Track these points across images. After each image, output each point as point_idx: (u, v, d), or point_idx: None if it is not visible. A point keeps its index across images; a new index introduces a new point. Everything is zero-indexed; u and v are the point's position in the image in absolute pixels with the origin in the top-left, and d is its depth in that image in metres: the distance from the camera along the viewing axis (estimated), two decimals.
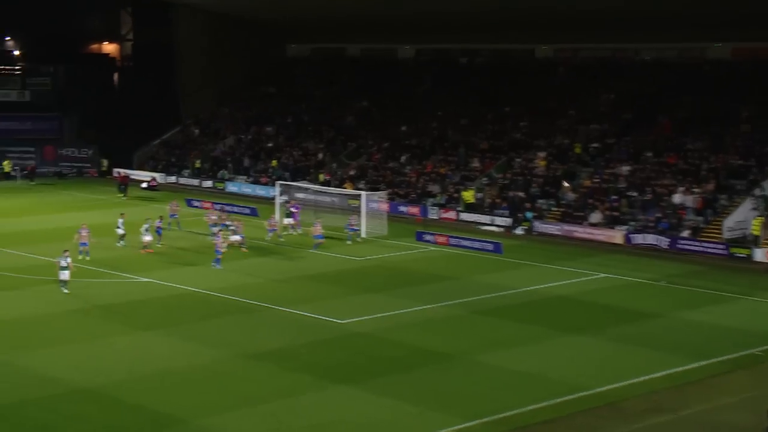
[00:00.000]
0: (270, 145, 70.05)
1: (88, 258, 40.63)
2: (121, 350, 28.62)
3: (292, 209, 49.29)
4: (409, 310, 33.93)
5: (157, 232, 44.48)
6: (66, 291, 34.72)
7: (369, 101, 70.60)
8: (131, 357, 28.01)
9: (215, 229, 44.39)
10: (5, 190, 65.18)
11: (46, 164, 74.31)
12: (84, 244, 41.44)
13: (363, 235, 47.99)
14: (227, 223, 45.29)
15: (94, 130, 77.98)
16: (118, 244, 43.91)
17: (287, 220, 47.63)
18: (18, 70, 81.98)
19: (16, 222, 51.17)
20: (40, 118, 78.83)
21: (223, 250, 40.45)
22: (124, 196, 61.67)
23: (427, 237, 47.37)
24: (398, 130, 65.90)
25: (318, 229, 44.55)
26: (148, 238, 42.68)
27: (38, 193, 64.00)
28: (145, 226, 43.00)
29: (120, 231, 44.44)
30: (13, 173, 69.76)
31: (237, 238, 43.51)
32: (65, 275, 35.05)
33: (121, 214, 46.25)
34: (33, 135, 77.55)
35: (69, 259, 35.21)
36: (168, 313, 33.01)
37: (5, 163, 70.59)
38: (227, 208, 55.37)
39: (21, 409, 23.80)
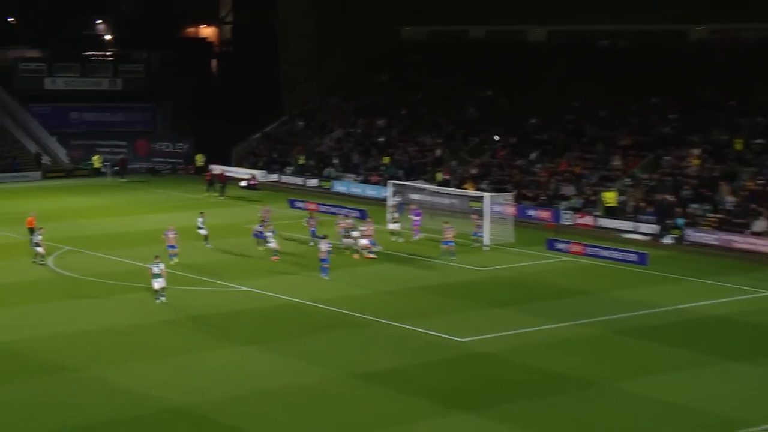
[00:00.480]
0: (382, 139, 70.40)
1: (173, 261, 41.43)
2: (216, 366, 29.12)
3: (413, 216, 49.37)
4: (539, 328, 33.49)
5: (257, 236, 45.22)
6: (161, 300, 35.55)
7: (494, 90, 70.20)
8: (227, 374, 28.44)
9: (351, 235, 44.39)
10: (94, 187, 67.55)
11: (138, 159, 76.66)
12: (172, 246, 42.42)
13: (486, 242, 47.68)
14: (342, 228, 45.26)
15: (189, 122, 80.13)
16: (208, 246, 44.72)
17: (392, 226, 47.71)
18: (110, 56, 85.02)
19: (105, 223, 52.92)
20: (133, 108, 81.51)
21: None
22: (221, 195, 62.94)
23: (560, 245, 46.70)
24: (527, 123, 65.30)
25: (449, 235, 44.53)
26: (273, 244, 43.14)
27: (129, 191, 66.04)
28: (269, 232, 43.55)
29: (203, 231, 45.23)
30: (103, 169, 72.23)
31: (365, 242, 43.88)
32: (159, 283, 35.76)
33: (201, 213, 47.16)
34: (125, 127, 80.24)
35: (162, 265, 36.00)
36: (268, 326, 33.43)
37: (95, 158, 73.13)
38: (333, 210, 55.92)
39: (112, 428, 24.50)
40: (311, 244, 45.51)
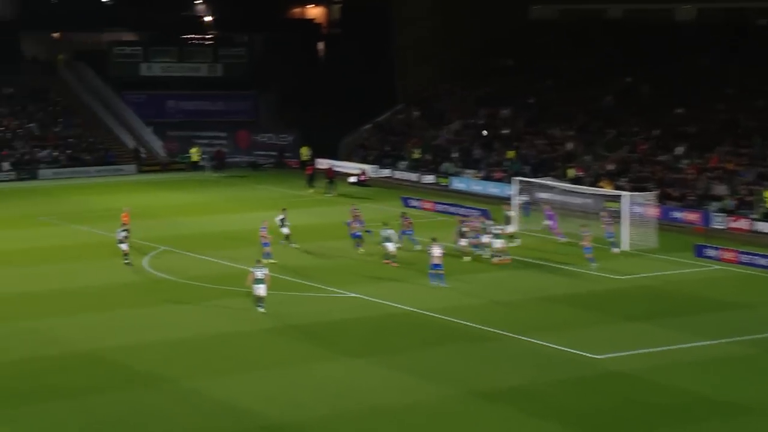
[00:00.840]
0: (506, 131, 69.99)
1: (268, 260, 41.82)
2: (322, 380, 29.28)
3: (547, 215, 49.02)
4: (686, 345, 32.73)
5: (354, 236, 45.47)
6: (262, 310, 35.82)
7: (634, 76, 69.09)
8: (334, 389, 28.58)
9: (481, 239, 44.31)
10: (191, 182, 68.99)
11: (238, 152, 77.93)
12: (266, 244, 43.06)
13: (625, 247, 46.92)
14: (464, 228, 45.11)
15: (294, 111, 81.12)
16: (292, 246, 45.00)
17: (509, 228, 47.24)
18: (209, 39, 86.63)
19: (203, 221, 53.95)
20: (233, 97, 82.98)
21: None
22: (329, 192, 63.47)
23: (710, 252, 45.63)
24: (672, 113, 64.04)
25: (587, 240, 44.14)
26: (392, 247, 43.07)
27: (228, 186, 67.20)
28: (387, 232, 43.55)
29: (285, 230, 45.41)
30: (201, 163, 73.62)
31: (499, 244, 43.77)
32: (261, 290, 35.83)
33: (283, 209, 47.47)
34: (224, 117, 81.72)
35: (266, 270, 36.19)
36: (379, 337, 33.50)
37: (193, 150, 74.61)
38: (451, 209, 55.80)
39: None
40: (417, 247, 45.29)
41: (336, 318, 35.57)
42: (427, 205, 56.80)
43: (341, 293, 38.93)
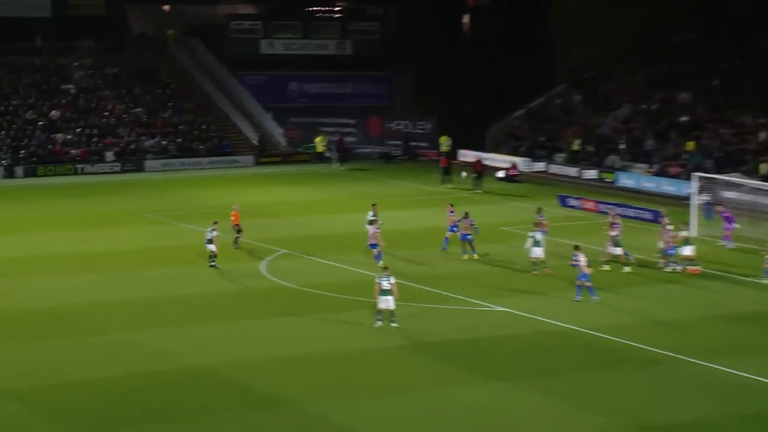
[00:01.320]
0: (685, 118, 68.80)
1: (379, 263, 42.28)
2: (465, 407, 29.14)
3: (724, 217, 48.05)
4: None
5: (462, 238, 45.49)
6: (395, 325, 35.82)
7: None
8: (479, 418, 28.42)
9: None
10: (315, 176, 69.89)
11: (369, 141, 78.42)
12: (373, 246, 43.66)
13: None
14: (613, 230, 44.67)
15: (434, 95, 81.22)
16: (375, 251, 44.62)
17: (683, 232, 46.11)
18: (338, 13, 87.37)
19: (327, 221, 54.40)
20: (365, 78, 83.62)
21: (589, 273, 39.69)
22: (476, 189, 63.33)
23: None
24: None
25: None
26: (539, 253, 42.69)
27: (355, 181, 67.75)
28: (536, 234, 43.07)
29: (371, 230, 45.07)
30: (327, 153, 74.29)
31: (688, 251, 43.39)
32: (388, 302, 35.71)
33: (373, 205, 47.51)
34: (354, 101, 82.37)
35: (393, 279, 36.02)
36: (531, 358, 33.23)
37: (318, 139, 75.42)
38: (618, 210, 55.00)
39: None
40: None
41: (480, 335, 35.41)
42: (588, 205, 56.11)
43: (486, 306, 38.73)
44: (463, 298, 39.71)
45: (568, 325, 36.42)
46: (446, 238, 46.49)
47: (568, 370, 32.09)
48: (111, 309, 38.41)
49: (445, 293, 40.28)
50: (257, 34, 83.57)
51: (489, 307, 38.67)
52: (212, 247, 43.69)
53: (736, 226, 48.28)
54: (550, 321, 36.89)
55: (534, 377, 31.33)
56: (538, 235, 43.01)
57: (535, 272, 42.76)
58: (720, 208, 49.46)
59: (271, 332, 35.72)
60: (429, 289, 40.86)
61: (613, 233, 44.17)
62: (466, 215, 45.60)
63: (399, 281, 39.60)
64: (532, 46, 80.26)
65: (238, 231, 47.60)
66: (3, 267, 44.34)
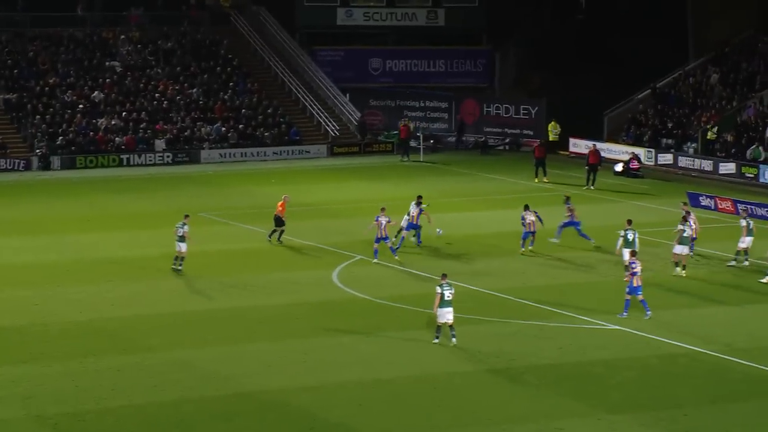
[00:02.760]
0: None
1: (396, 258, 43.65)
2: None
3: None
4: None
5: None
6: (454, 341, 36.02)
7: None
8: None
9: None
10: (397, 169, 70.05)
11: (464, 128, 78.40)
12: (385, 239, 45.04)
13: None
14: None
15: (541, 74, 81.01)
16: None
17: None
18: None
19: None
20: (460, 54, 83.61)
21: None
22: (590, 185, 63.47)
23: None
24: None
25: None
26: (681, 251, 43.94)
27: (442, 175, 67.85)
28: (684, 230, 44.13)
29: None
30: (414, 143, 74.52)
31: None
32: (447, 316, 35.94)
33: (419, 198, 48.09)
34: (447, 81, 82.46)
35: (452, 289, 36.27)
36: (650, 387, 33.17)
37: (406, 121, 75.32)
38: (760, 211, 54.64)
39: None
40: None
41: (590, 358, 35.46)
42: (724, 205, 55.74)
43: (596, 324, 38.79)
44: (568, 314, 39.84)
45: (692, 347, 36.43)
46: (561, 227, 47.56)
47: (694, 401, 32.07)
48: (159, 323, 38.96)
49: (548, 308, 40.44)
50: (334, 2, 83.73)
51: (599, 324, 38.74)
52: (183, 247, 44.15)
53: None
54: (671, 342, 36.88)
55: (654, 409, 31.32)
56: (631, 235, 43.52)
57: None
58: None
59: (343, 352, 36.07)
60: (528, 303, 41.09)
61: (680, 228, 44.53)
62: (527, 207, 47.61)
63: (491, 292, 39.82)
64: (662, 14, 79.74)
65: (281, 224, 48.35)
66: (37, 274, 45.05)
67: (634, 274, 39.29)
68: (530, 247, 47.84)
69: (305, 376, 33.87)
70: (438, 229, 48.63)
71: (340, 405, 31.66)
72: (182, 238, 44.44)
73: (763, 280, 43.62)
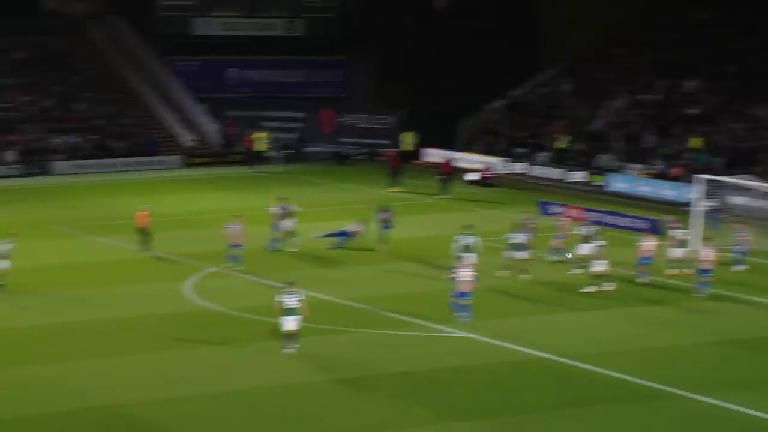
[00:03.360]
0: (693, 111, 69.38)
1: (238, 267, 44.22)
2: None
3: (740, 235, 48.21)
4: None
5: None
6: (292, 351, 36.09)
7: None
8: None
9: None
10: (254, 180, 69.92)
11: (322, 139, 78.55)
12: (237, 246, 45.58)
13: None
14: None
15: (398, 84, 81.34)
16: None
17: (673, 252, 46.71)
18: None
19: (266, 233, 54.43)
20: (318, 64, 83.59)
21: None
22: (443, 194, 63.76)
23: None
24: None
25: (709, 258, 43.57)
26: (600, 266, 44.00)
27: (299, 186, 67.80)
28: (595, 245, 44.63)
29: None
30: (270, 153, 74.45)
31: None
32: (291, 323, 36.10)
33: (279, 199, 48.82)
34: (305, 91, 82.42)
35: (300, 296, 36.46)
36: (501, 394, 33.51)
37: (259, 136, 75.17)
38: (608, 218, 55.52)
39: None
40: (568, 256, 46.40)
41: (442, 366, 35.70)
42: (574, 212, 56.47)
43: (447, 332, 39.02)
44: (421, 322, 40.00)
45: (540, 353, 36.78)
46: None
47: (542, 407, 32.36)
48: (7, 338, 38.35)
49: (400, 317, 40.59)
50: (191, 11, 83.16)
51: (451, 332, 38.95)
52: (5, 265, 43.68)
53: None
54: (520, 348, 37.23)
55: (503, 415, 31.61)
56: (466, 240, 44.72)
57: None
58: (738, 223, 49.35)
59: (197, 365, 35.80)
60: (381, 311, 41.21)
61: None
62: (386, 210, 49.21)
63: (344, 301, 39.82)
64: (516, 25, 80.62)
65: (147, 234, 48.17)
66: None
67: (457, 279, 39.72)
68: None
69: (157, 389, 33.53)
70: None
71: (193, 418, 31.44)
72: (4, 255, 43.71)
73: (586, 290, 44.09)
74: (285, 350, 36.37)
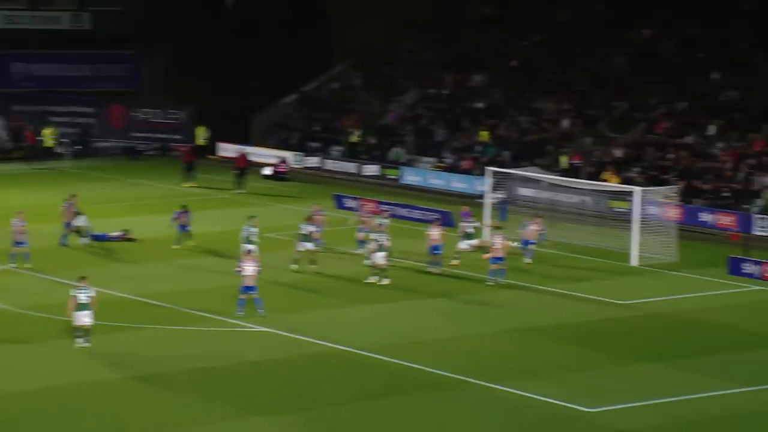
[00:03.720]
0: (480, 105, 70.37)
1: (27, 265, 43.62)
2: None
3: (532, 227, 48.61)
4: (714, 394, 33.17)
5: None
6: (83, 345, 35.55)
7: (654, 29, 69.75)
8: None
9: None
10: (41, 176, 68.59)
11: (112, 134, 77.68)
12: (21, 243, 44.89)
13: (635, 261, 47.63)
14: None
15: (190, 78, 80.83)
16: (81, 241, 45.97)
17: (463, 245, 47.58)
18: None
19: (57, 230, 53.65)
20: (106, 58, 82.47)
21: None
22: (238, 188, 63.68)
23: (749, 268, 46.21)
24: (706, 79, 64.76)
25: (499, 246, 44.46)
26: (381, 258, 44.22)
27: (90, 181, 66.86)
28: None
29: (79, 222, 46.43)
30: (59, 149, 73.27)
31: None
32: (84, 318, 35.68)
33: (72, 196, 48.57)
34: (93, 86, 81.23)
35: (91, 292, 36.14)
36: (298, 387, 33.61)
37: (46, 131, 74.10)
38: (402, 211, 56.13)
39: None
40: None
41: (241, 360, 35.66)
42: (369, 205, 56.82)
43: (246, 327, 38.98)
44: (219, 318, 39.90)
45: (338, 346, 37.02)
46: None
47: (342, 399, 32.62)
48: None
49: (198, 312, 40.44)
50: None
51: (250, 327, 38.95)
52: None
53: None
54: (319, 342, 37.42)
55: (302, 409, 31.72)
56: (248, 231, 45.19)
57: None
58: (534, 217, 49.96)
59: None
60: (178, 308, 40.97)
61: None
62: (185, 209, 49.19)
63: (138, 298, 39.51)
64: (307, 21, 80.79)
65: None
66: None
67: (242, 272, 39.76)
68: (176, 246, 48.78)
69: None
70: None
71: None
72: None
73: (370, 280, 44.58)
74: (78, 344, 35.89)
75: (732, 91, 63.05)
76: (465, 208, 49.72)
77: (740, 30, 66.94)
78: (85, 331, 35.85)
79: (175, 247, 49.21)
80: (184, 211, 49.89)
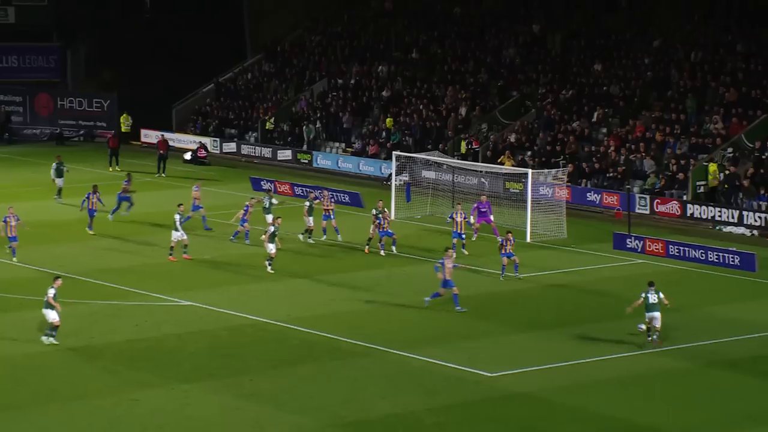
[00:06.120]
0: (384, 93, 70.64)
1: (14, 259, 43.26)
2: (150, 411, 29.54)
3: (479, 209, 47.89)
4: (601, 358, 33.81)
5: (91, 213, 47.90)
6: (51, 341, 34.68)
7: (543, 22, 70.29)
8: (166, 421, 28.89)
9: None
10: None
11: (38, 121, 77.03)
12: (13, 238, 43.88)
13: (527, 239, 48.19)
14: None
15: (113, 68, 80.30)
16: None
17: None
18: None
19: None
20: (31, 50, 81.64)
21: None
22: (160, 172, 63.47)
23: (632, 243, 47.02)
24: (589, 69, 65.44)
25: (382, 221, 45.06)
26: (272, 248, 43.44)
27: (21, 166, 66.30)
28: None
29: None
30: None
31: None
32: (52, 316, 34.50)
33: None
34: (19, 76, 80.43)
35: (54, 291, 34.71)
36: (220, 356, 33.85)
37: None
38: (316, 192, 56.31)
39: None
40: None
41: (164, 333, 35.83)
42: (284, 187, 57.07)
43: (169, 301, 39.17)
44: (143, 292, 40.03)
45: (257, 318, 37.32)
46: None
47: (259, 367, 32.89)
48: None
49: (124, 288, 40.52)
50: None
51: (173, 301, 39.10)
52: None
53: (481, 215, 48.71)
54: (238, 314, 37.67)
55: (223, 377, 31.96)
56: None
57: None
58: (482, 198, 49.01)
59: None
60: (104, 283, 41.04)
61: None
62: (95, 189, 48.70)
63: (67, 274, 39.27)
64: (222, 13, 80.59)
65: None
66: None
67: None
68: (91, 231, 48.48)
69: None
70: None
71: None
72: None
73: (268, 269, 43.55)
74: (45, 340, 34.63)
75: (615, 81, 63.49)
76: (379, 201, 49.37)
77: (620, 25, 67.58)
78: (53, 330, 34.80)
79: (90, 232, 48.65)
80: (94, 192, 49.18)
